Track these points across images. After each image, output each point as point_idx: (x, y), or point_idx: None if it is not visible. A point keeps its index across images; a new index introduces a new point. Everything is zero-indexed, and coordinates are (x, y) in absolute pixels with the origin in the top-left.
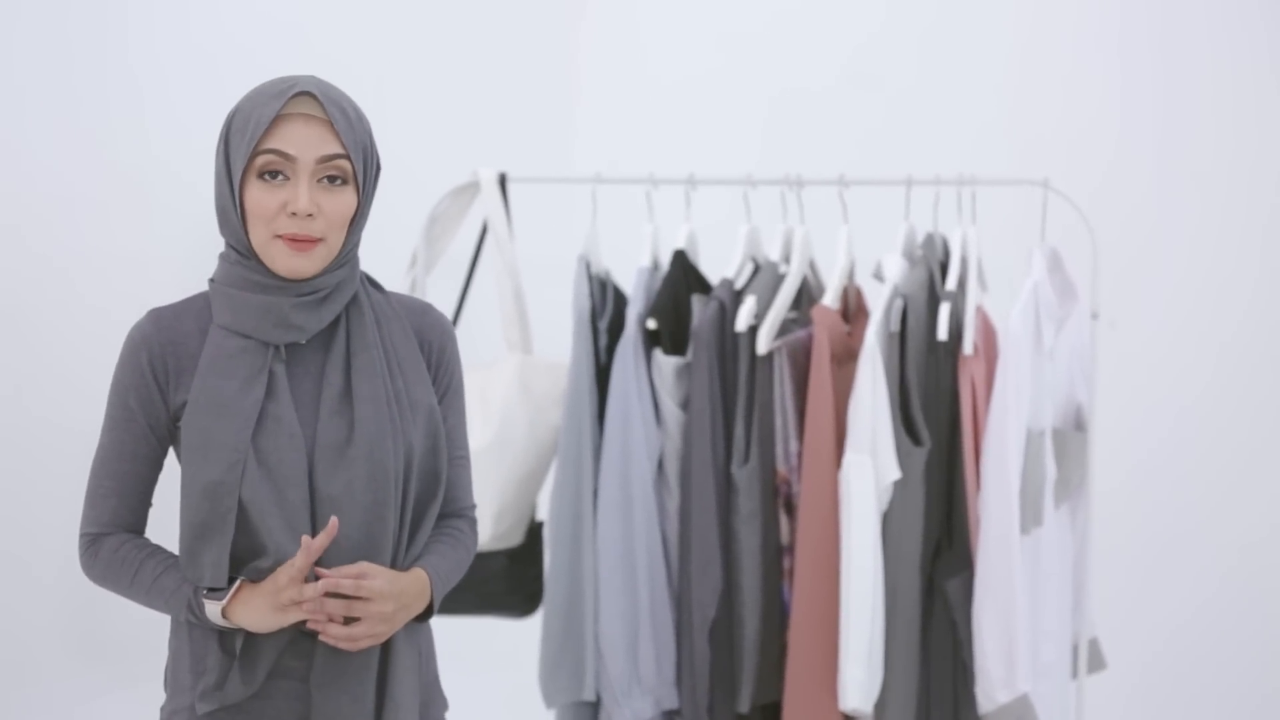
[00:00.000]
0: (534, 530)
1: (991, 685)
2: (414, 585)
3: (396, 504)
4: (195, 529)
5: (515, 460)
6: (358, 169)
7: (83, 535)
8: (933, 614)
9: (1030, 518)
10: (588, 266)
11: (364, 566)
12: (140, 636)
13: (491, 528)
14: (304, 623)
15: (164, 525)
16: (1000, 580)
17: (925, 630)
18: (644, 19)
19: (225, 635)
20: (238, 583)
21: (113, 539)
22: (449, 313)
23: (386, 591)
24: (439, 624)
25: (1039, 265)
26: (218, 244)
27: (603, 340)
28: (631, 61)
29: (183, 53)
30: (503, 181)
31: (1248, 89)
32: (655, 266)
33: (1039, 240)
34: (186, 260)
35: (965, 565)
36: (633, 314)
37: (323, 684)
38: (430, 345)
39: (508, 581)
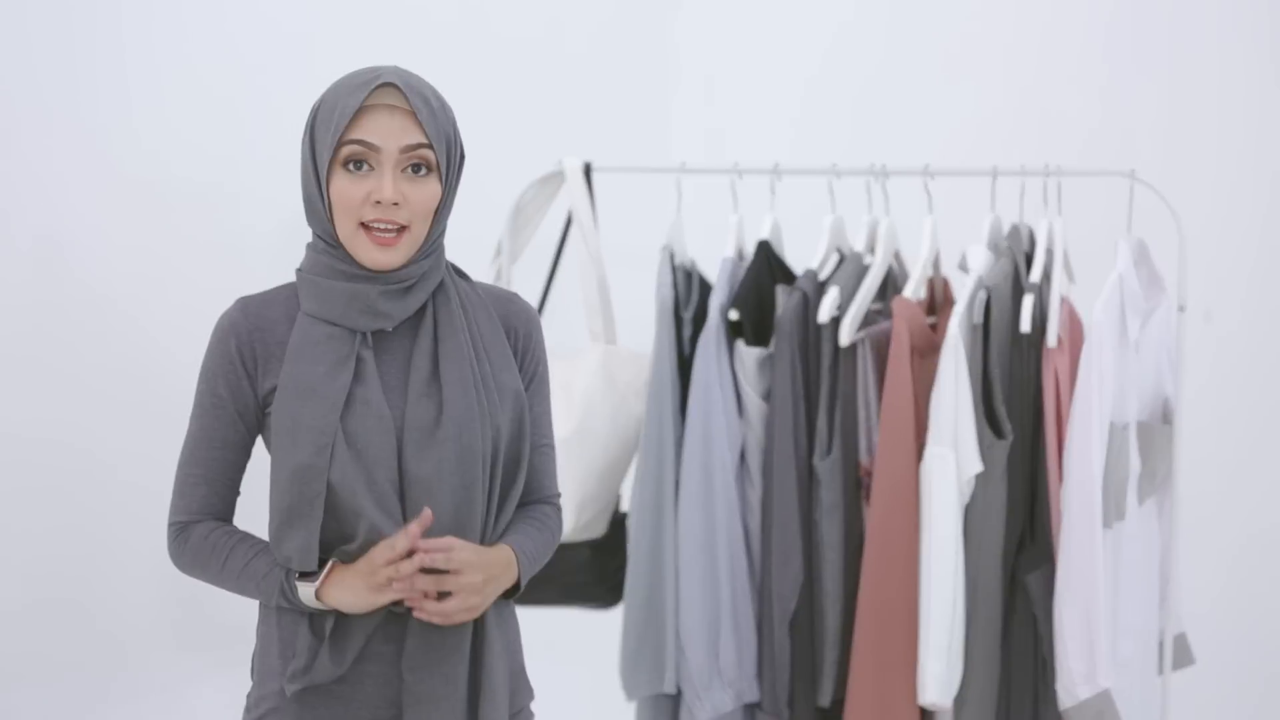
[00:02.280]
0: (618, 521)
1: (1072, 680)
2: (500, 558)
3: (484, 486)
4: (284, 512)
5: (598, 451)
6: (441, 159)
7: (172, 524)
8: (1014, 608)
9: (1112, 511)
10: (672, 256)
11: (450, 540)
12: (233, 624)
13: (574, 519)
14: (395, 605)
15: (250, 513)
16: (1081, 574)
17: (1006, 625)
18: (738, 10)
19: (315, 619)
20: (330, 564)
21: (202, 526)
22: (534, 302)
23: (475, 562)
24: (524, 615)
25: (1124, 257)
26: (305, 235)
27: (687, 331)
28: (726, 51)
29: (278, 38)
30: (588, 171)
31: None
32: (739, 257)
33: (1125, 232)
34: (277, 250)
35: (1047, 559)
36: (715, 304)
37: (415, 666)
38: (516, 333)
39: (591, 572)
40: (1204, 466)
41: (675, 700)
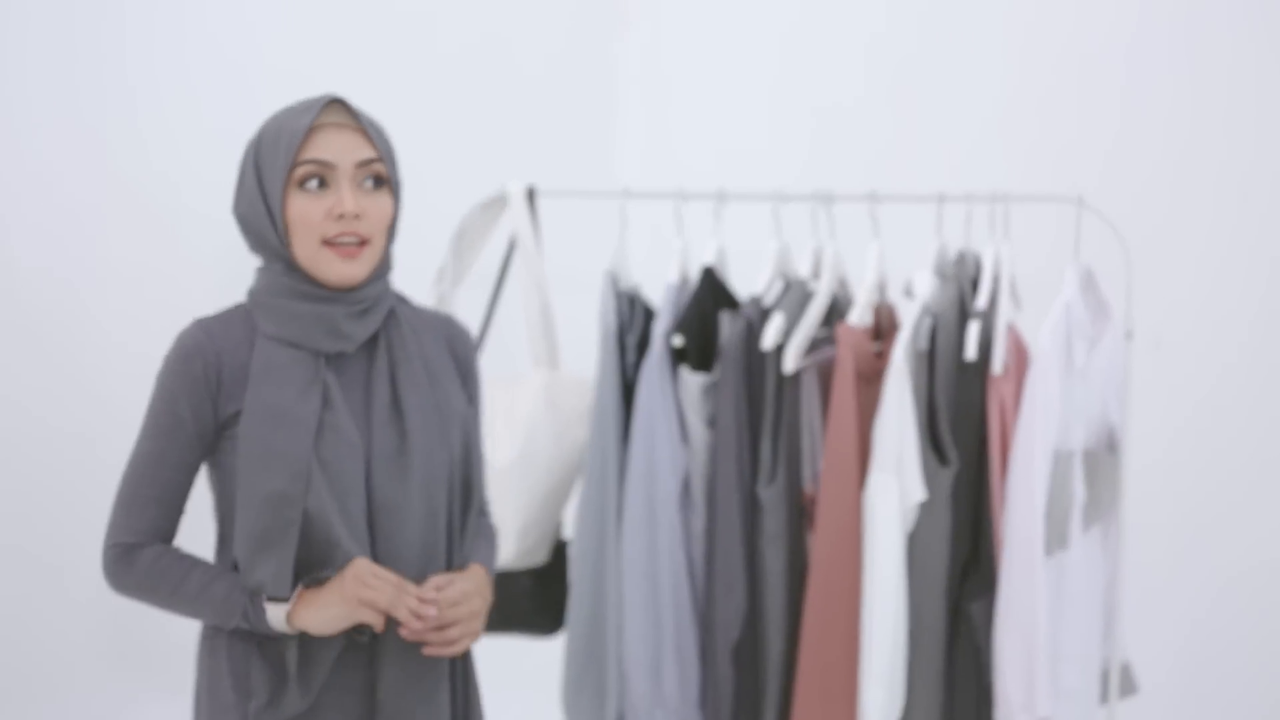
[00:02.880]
0: (560, 548)
1: (1010, 709)
2: (482, 579)
3: (447, 510)
4: (257, 539)
5: (540, 477)
6: (391, 173)
7: (115, 545)
8: (958, 636)
9: (1055, 540)
10: (615, 282)
11: (437, 579)
12: (170, 645)
13: (516, 545)
14: (357, 634)
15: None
16: (1022, 603)
17: (950, 653)
18: (682, 35)
19: (270, 651)
20: (298, 589)
21: (150, 549)
22: (476, 327)
23: (471, 590)
24: None
25: (1071, 283)
26: (244, 255)
27: (630, 356)
28: (670, 77)
29: (214, 67)
30: (531, 195)
31: None
32: (684, 282)
33: (1072, 258)
34: (217, 269)
35: (991, 587)
36: (659, 330)
37: (396, 695)
38: (458, 356)
39: (533, 600)
40: (1150, 495)
41: None
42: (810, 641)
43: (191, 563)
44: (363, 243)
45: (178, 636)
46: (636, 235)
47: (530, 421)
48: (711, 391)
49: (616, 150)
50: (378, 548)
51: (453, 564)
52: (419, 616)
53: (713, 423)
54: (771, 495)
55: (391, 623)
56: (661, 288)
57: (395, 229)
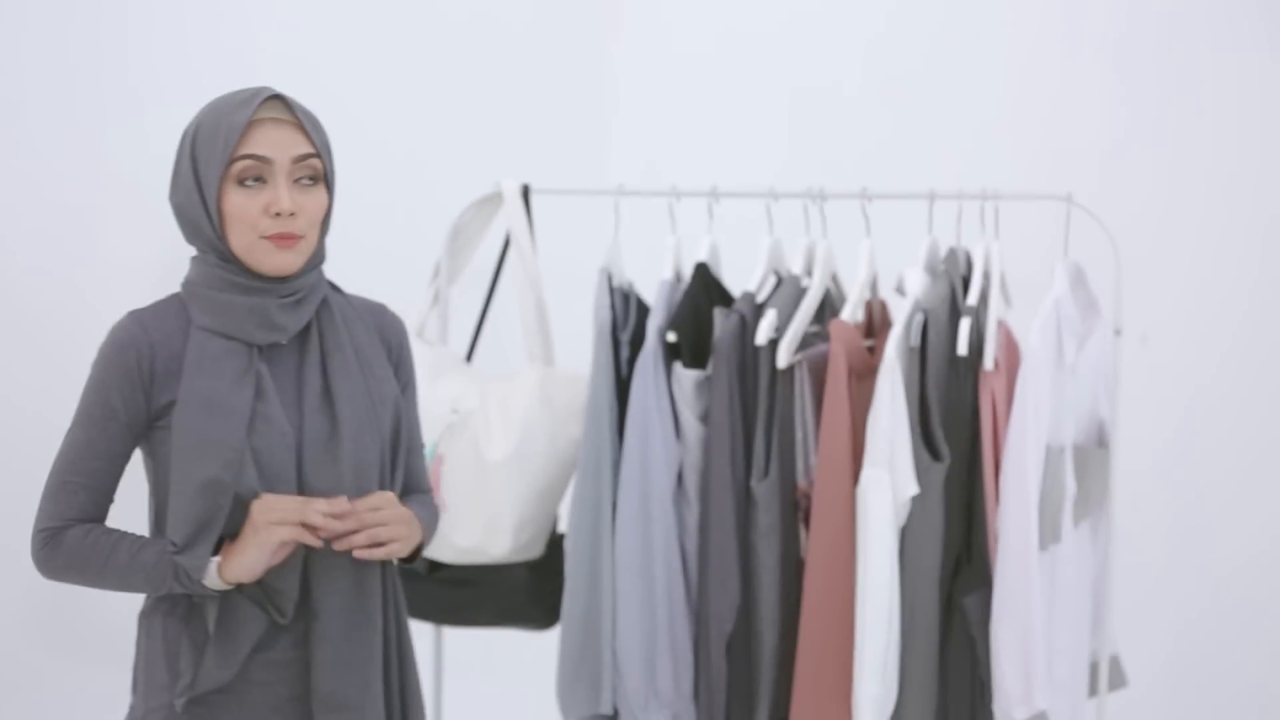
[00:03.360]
0: (555, 542)
1: (1008, 702)
2: (405, 510)
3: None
4: (189, 524)
5: (536, 473)
6: (327, 168)
7: (41, 530)
8: (951, 630)
9: (1049, 534)
10: (610, 278)
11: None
12: (108, 626)
13: (512, 540)
14: (278, 615)
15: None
16: (1017, 596)
17: (944, 647)
18: (675, 32)
19: (198, 631)
20: (225, 543)
21: (76, 529)
22: (471, 325)
23: (389, 500)
24: (461, 635)
25: (1061, 280)
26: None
27: (624, 353)
28: (664, 76)
29: (212, 62)
30: (526, 193)
31: (1274, 103)
32: (677, 279)
33: (1062, 255)
34: (169, 262)
35: (984, 581)
36: (653, 326)
37: (328, 674)
38: (390, 344)
39: (529, 594)
40: (1138, 489)
41: None
42: (806, 636)
43: (120, 535)
44: (298, 237)
45: (112, 616)
46: (630, 232)
47: (525, 417)
48: (705, 387)
49: (610, 148)
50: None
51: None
52: (336, 516)
53: (706, 418)
54: (765, 490)
55: (325, 599)
56: (655, 284)
57: (329, 222)
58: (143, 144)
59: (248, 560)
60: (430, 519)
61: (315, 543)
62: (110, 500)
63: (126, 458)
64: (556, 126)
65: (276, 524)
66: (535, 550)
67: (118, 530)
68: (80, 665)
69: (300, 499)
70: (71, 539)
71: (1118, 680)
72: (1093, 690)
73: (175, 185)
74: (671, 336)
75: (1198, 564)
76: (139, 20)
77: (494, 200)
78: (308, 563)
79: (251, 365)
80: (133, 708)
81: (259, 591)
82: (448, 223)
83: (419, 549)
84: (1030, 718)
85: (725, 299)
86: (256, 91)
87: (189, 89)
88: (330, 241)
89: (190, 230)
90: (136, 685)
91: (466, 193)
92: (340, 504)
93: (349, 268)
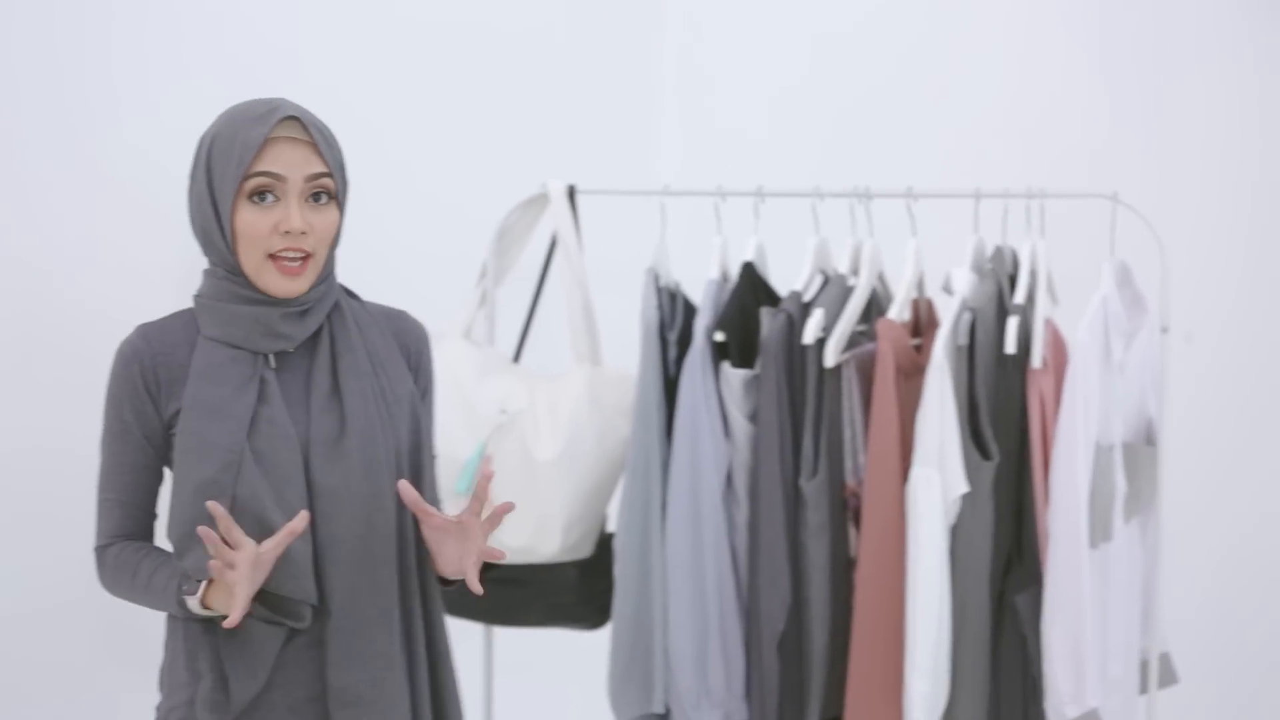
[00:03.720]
0: (604, 542)
1: (1060, 700)
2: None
3: (394, 493)
4: (185, 527)
5: (584, 472)
6: (339, 186)
7: (94, 550)
8: (1003, 628)
9: (1099, 532)
10: (656, 278)
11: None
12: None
13: (561, 540)
14: (296, 622)
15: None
16: (1068, 595)
17: (995, 645)
18: (720, 32)
19: (216, 634)
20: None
21: (115, 547)
22: (518, 325)
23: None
24: (509, 636)
25: (1108, 279)
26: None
27: (671, 352)
28: (708, 75)
29: (207, 62)
30: (572, 193)
31: None
32: (724, 279)
33: (1108, 254)
34: (184, 271)
35: (1034, 579)
36: (701, 326)
37: (340, 670)
38: (408, 349)
39: (578, 593)
40: (1186, 487)
41: None
42: (857, 634)
43: (145, 553)
44: (306, 257)
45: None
46: (676, 232)
47: (573, 418)
48: (753, 386)
49: (656, 148)
50: (318, 532)
51: (404, 547)
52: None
53: (754, 417)
54: (814, 488)
55: (335, 597)
56: (702, 284)
57: (339, 236)
58: (127, 148)
59: (221, 597)
60: None
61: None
62: (150, 515)
63: (155, 471)
64: (602, 127)
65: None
66: (584, 550)
67: (146, 548)
68: (126, 666)
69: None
70: (110, 557)
71: (1168, 678)
72: (1143, 688)
73: (190, 194)
74: (719, 336)
75: (1247, 560)
76: (127, 27)
77: (540, 201)
78: (318, 563)
79: (256, 372)
80: (158, 707)
81: (267, 611)
82: (494, 224)
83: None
84: (1082, 716)
85: (772, 298)
86: (273, 109)
87: (220, 94)
88: (378, 243)
89: (203, 240)
90: (161, 685)
91: (513, 194)
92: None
93: (397, 268)
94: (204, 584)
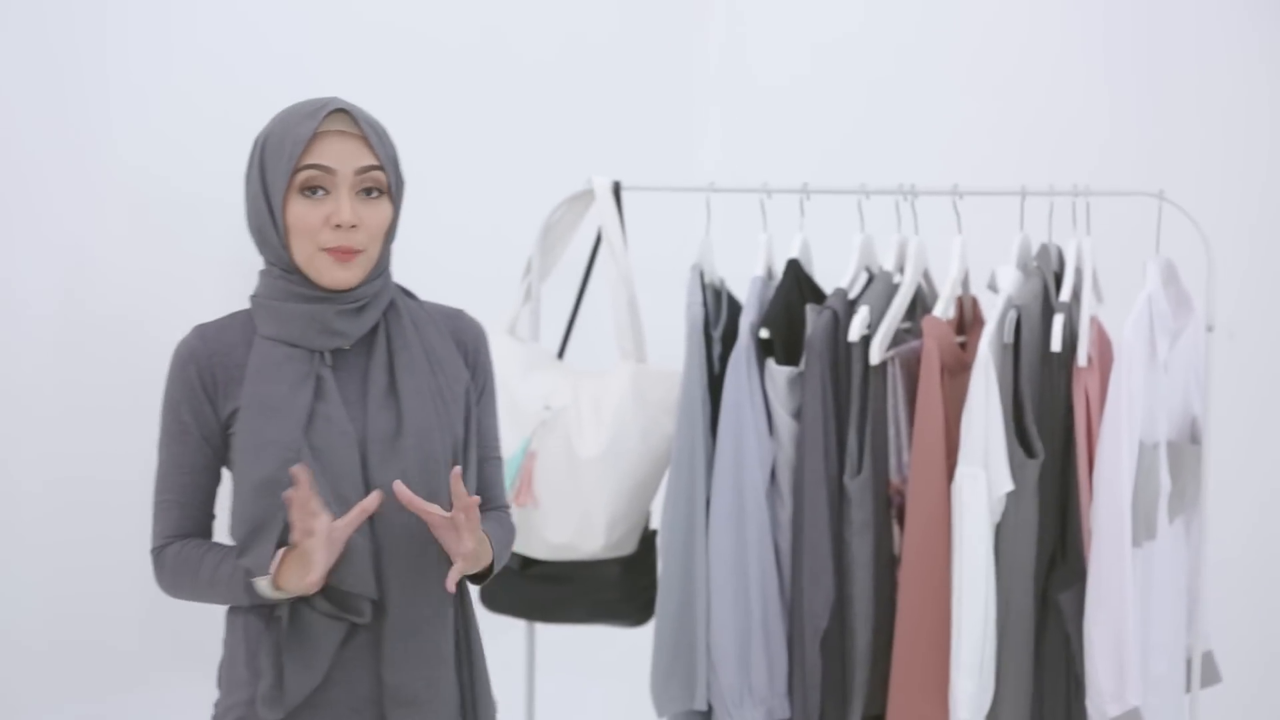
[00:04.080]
0: (648, 539)
1: (1102, 698)
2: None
3: (448, 493)
4: (248, 525)
5: (628, 469)
6: (391, 180)
7: (151, 551)
8: (1046, 627)
9: (1143, 530)
10: (701, 275)
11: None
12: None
13: (604, 536)
14: (357, 616)
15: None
16: (1111, 593)
17: (1039, 643)
18: (764, 30)
19: (276, 626)
20: (280, 552)
21: (174, 546)
22: (563, 321)
23: (474, 511)
24: (552, 632)
25: (1153, 277)
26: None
27: (716, 349)
28: (753, 72)
29: (271, 55)
30: (617, 190)
31: None
32: (769, 276)
33: (1154, 252)
34: (234, 276)
35: (1079, 577)
36: (746, 323)
37: (396, 670)
38: (465, 347)
39: (621, 590)
40: (1230, 485)
41: (706, 716)
42: (902, 632)
43: (207, 549)
44: (358, 251)
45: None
46: (721, 229)
47: (618, 414)
48: (798, 383)
49: (701, 145)
50: (376, 529)
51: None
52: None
53: (799, 414)
54: (858, 486)
55: (394, 595)
56: (746, 281)
57: (394, 231)
58: (190, 158)
59: (294, 574)
60: (503, 541)
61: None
62: (208, 515)
63: (213, 471)
64: (647, 123)
65: (304, 551)
66: (628, 547)
67: (208, 543)
68: (186, 663)
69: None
70: (169, 557)
71: (1211, 676)
72: (1186, 687)
73: (246, 193)
74: (764, 333)
75: None
76: (124, 33)
77: (585, 197)
78: (376, 560)
79: (312, 370)
80: (216, 704)
81: (329, 605)
82: (539, 220)
83: (488, 570)
84: (1123, 714)
85: (817, 296)
86: (324, 103)
87: (180, 104)
88: (424, 240)
89: (259, 239)
90: (221, 681)
91: (558, 190)
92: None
93: (443, 265)
94: (276, 562)
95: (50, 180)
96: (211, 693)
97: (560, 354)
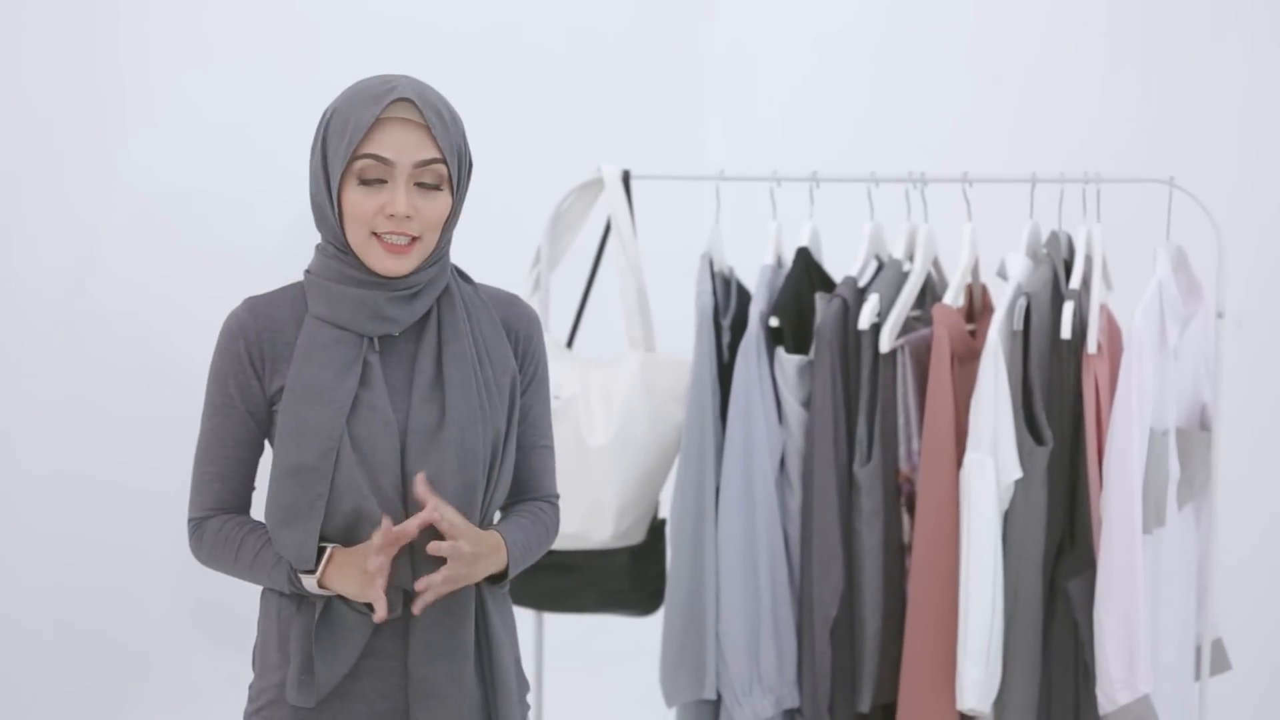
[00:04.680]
0: (657, 528)
1: (1112, 686)
2: (489, 540)
3: (483, 486)
4: (282, 511)
5: (637, 458)
6: (452, 172)
7: (189, 521)
8: (1055, 614)
9: (1152, 517)
10: (711, 264)
11: (438, 505)
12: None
13: (613, 525)
14: (390, 611)
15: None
16: (1122, 580)
17: (1047, 630)
18: (774, 17)
19: (308, 616)
20: (329, 550)
21: (215, 520)
22: (572, 309)
23: (465, 531)
24: (561, 622)
25: (1163, 263)
26: (306, 240)
27: (726, 338)
28: (764, 58)
29: (280, 52)
30: (626, 179)
31: None
32: (779, 264)
33: (1164, 238)
34: (281, 255)
35: (1087, 565)
36: (755, 312)
37: (420, 662)
38: (517, 335)
39: (630, 579)
40: (1241, 472)
41: (715, 706)
42: (911, 619)
43: (250, 529)
44: (413, 240)
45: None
46: (730, 217)
47: (627, 403)
48: (807, 372)
49: (710, 133)
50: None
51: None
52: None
53: (808, 403)
54: (867, 474)
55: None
56: (756, 269)
57: (454, 222)
58: (244, 132)
59: (349, 589)
60: (531, 540)
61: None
62: (249, 488)
63: (256, 445)
64: (657, 112)
65: (370, 582)
66: (637, 536)
67: (251, 522)
68: (220, 646)
69: (363, 555)
70: (210, 530)
71: (1220, 664)
72: (1196, 674)
73: (310, 167)
74: (774, 321)
75: None
76: (137, 33)
77: (595, 186)
78: (412, 553)
79: (360, 355)
80: (250, 686)
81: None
82: (549, 208)
83: (506, 569)
84: (1134, 701)
85: (827, 284)
86: (390, 89)
87: (188, 101)
88: None
89: (317, 214)
90: (254, 664)
91: (567, 178)
92: (395, 532)
93: (453, 255)
94: (325, 561)
95: (68, 179)
96: (229, 679)
97: (569, 343)
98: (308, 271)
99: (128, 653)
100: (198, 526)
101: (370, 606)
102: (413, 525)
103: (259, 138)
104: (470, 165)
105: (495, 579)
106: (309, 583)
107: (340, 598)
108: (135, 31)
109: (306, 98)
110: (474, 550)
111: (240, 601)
